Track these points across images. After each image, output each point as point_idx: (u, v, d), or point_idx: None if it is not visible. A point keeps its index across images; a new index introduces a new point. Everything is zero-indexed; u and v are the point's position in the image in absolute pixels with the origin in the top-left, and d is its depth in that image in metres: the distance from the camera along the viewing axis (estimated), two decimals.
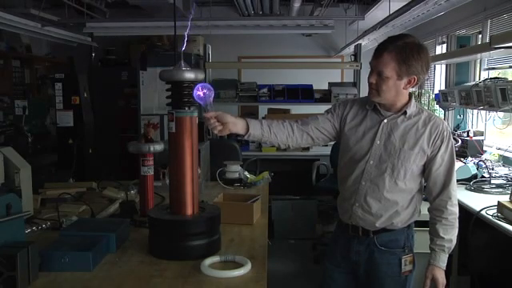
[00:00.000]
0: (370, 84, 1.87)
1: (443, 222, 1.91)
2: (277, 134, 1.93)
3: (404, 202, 1.95)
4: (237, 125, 1.84)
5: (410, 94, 1.93)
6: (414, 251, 2.02)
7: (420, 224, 2.58)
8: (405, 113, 1.90)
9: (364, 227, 1.97)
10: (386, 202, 1.93)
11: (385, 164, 1.90)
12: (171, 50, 6.02)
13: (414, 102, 1.94)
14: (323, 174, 5.06)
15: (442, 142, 1.89)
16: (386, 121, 1.92)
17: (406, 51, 1.78)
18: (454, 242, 1.93)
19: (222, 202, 2.45)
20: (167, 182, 2.33)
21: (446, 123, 1.95)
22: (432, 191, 1.94)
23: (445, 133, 1.90)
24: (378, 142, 1.92)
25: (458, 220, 1.93)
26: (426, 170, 1.94)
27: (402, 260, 1.96)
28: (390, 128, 1.92)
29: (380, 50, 1.82)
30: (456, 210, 1.92)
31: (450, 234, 1.91)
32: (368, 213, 1.95)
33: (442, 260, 1.92)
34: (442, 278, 1.93)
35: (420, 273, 2.00)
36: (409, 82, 1.84)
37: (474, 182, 3.23)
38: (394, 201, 1.93)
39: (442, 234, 1.91)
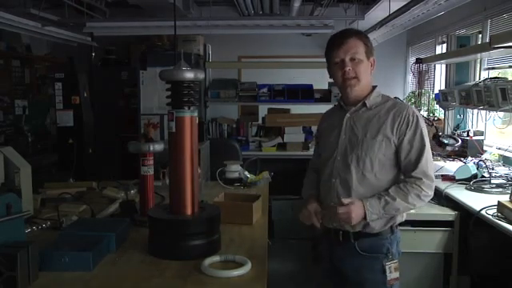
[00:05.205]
0: (345, 73, 1.85)
1: (401, 186, 1.80)
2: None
3: None
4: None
5: (373, 86, 1.94)
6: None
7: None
8: (364, 104, 1.90)
9: (342, 229, 1.90)
10: (358, 197, 1.82)
11: (350, 156, 1.87)
12: (171, 49, 6.01)
13: (378, 94, 1.93)
14: None
15: (407, 127, 1.82)
16: (348, 115, 1.92)
17: (362, 33, 1.93)
18: (396, 206, 1.78)
19: (222, 202, 2.44)
20: (167, 181, 2.33)
21: (412, 108, 1.89)
22: (404, 175, 1.86)
23: (410, 117, 1.83)
24: (344, 137, 1.90)
25: (415, 201, 1.78)
26: (397, 159, 1.85)
27: (386, 267, 1.85)
28: (353, 121, 1.90)
29: (342, 38, 1.87)
30: (420, 191, 1.78)
31: (397, 197, 1.77)
32: None
33: (371, 203, 1.77)
34: (355, 209, 1.76)
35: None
36: (372, 64, 1.91)
37: (474, 182, 3.22)
38: (365, 196, 1.82)
39: (390, 191, 1.79)
